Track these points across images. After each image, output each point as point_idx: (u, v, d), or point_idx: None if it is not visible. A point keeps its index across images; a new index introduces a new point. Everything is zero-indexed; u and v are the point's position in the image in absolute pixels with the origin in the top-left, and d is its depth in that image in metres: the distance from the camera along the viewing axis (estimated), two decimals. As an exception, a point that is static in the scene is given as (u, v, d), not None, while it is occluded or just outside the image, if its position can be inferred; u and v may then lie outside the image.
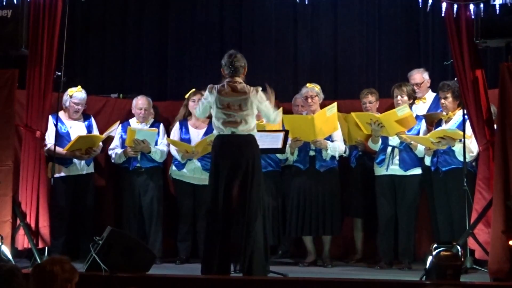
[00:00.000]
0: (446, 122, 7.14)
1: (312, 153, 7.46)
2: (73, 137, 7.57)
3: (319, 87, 7.65)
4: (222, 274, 6.17)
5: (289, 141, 7.39)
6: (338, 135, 7.48)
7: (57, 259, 3.99)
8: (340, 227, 7.53)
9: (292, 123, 7.36)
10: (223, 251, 6.24)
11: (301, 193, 7.44)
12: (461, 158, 6.83)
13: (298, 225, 7.42)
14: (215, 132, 6.48)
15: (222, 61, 6.55)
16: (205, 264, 6.32)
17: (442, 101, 7.13)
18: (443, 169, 7.03)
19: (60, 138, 7.54)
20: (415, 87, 7.61)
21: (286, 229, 7.61)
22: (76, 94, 7.65)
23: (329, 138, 7.44)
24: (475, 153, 6.82)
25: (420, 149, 7.22)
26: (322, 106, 7.55)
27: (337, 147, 7.43)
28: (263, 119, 6.90)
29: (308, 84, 7.66)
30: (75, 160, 7.62)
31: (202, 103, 6.62)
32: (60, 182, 7.51)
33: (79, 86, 7.68)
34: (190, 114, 7.82)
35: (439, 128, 7.12)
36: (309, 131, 7.27)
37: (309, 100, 7.55)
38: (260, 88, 6.45)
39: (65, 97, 7.59)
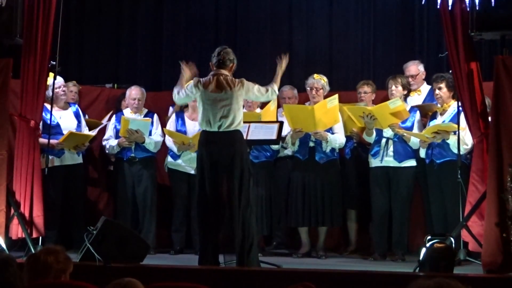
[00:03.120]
0: (441, 114, 7.16)
1: (311, 144, 7.45)
2: (63, 127, 7.59)
3: (326, 79, 7.62)
4: (215, 266, 6.21)
5: (290, 132, 7.40)
6: (339, 127, 7.47)
7: (52, 249, 3.99)
8: (340, 219, 7.54)
9: (292, 113, 7.35)
10: (213, 243, 6.27)
11: (300, 184, 7.44)
12: (455, 151, 6.86)
13: (298, 216, 7.42)
14: (200, 127, 6.43)
15: (212, 54, 6.49)
16: (200, 256, 6.36)
17: (437, 91, 7.15)
18: (438, 161, 7.06)
19: (50, 129, 7.47)
20: (410, 79, 7.64)
21: (283, 219, 7.64)
22: (51, 80, 7.46)
23: (330, 130, 7.44)
24: (469, 146, 6.85)
25: (414, 141, 7.25)
26: (324, 98, 7.54)
27: (337, 139, 7.43)
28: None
29: (315, 75, 7.63)
30: (66, 152, 7.62)
31: (185, 92, 6.49)
32: (52, 173, 7.44)
33: (50, 73, 7.45)
34: (187, 105, 7.82)
35: (434, 122, 7.15)
36: (309, 122, 7.27)
37: (314, 91, 7.53)
38: (244, 80, 6.39)
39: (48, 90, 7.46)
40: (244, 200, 6.24)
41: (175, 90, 6.60)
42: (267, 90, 6.50)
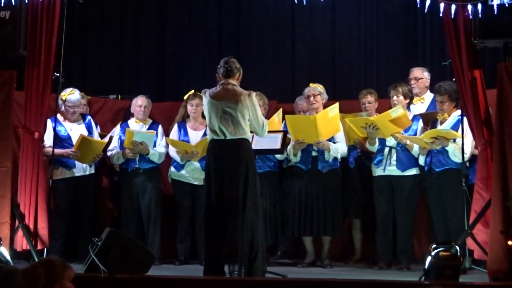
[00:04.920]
0: (442, 122, 7.15)
1: (314, 153, 7.46)
2: (74, 139, 7.59)
3: (322, 86, 7.64)
4: (220, 276, 6.19)
5: (292, 143, 7.41)
6: (340, 136, 7.48)
7: (44, 262, 3.98)
8: (341, 228, 7.55)
9: (294, 124, 7.35)
10: (219, 253, 6.27)
11: (303, 193, 7.44)
12: (454, 159, 6.91)
13: (301, 226, 7.43)
14: (208, 137, 6.45)
15: (218, 66, 6.51)
16: (205, 266, 6.35)
17: (440, 105, 7.12)
18: (437, 169, 7.05)
19: (61, 141, 7.55)
20: (413, 81, 7.67)
21: (286, 229, 7.61)
22: (69, 97, 7.64)
23: (331, 139, 7.45)
24: (468, 154, 6.86)
25: (416, 149, 7.25)
26: (324, 107, 7.56)
27: (339, 148, 7.45)
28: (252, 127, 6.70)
29: (311, 84, 7.67)
30: (77, 163, 7.64)
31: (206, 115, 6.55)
32: (62, 183, 7.56)
33: (71, 89, 7.65)
34: (189, 115, 7.85)
35: (433, 129, 7.14)
36: (312, 132, 7.27)
37: (311, 98, 7.54)
38: (254, 93, 6.41)
39: (59, 101, 7.56)
40: (249, 209, 6.23)
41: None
42: (263, 125, 6.49)
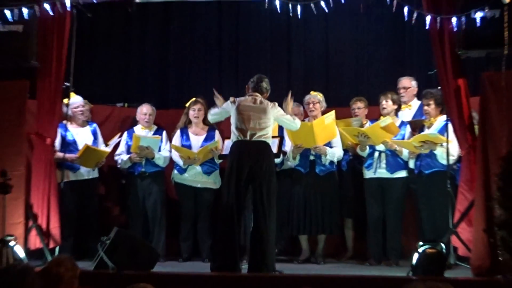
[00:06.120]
0: (429, 127, 7.33)
1: (312, 157, 7.68)
2: (79, 143, 7.76)
3: (322, 95, 7.88)
4: (231, 272, 6.35)
5: (292, 147, 7.66)
6: (337, 141, 7.69)
7: (61, 260, 4.16)
8: (338, 226, 7.73)
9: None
10: (233, 250, 6.44)
11: (302, 195, 7.64)
12: (442, 161, 7.06)
13: (300, 225, 7.62)
14: (233, 137, 6.69)
15: (251, 79, 6.87)
16: (215, 261, 6.55)
17: (425, 107, 7.30)
18: (426, 172, 7.22)
19: (68, 145, 7.74)
20: (402, 91, 7.83)
21: (284, 228, 7.77)
22: (72, 100, 7.76)
23: (329, 144, 7.66)
24: (455, 156, 7.02)
25: (406, 154, 7.43)
26: (322, 114, 7.77)
27: (335, 153, 7.65)
28: (287, 129, 7.18)
29: (311, 92, 7.92)
30: (82, 167, 7.81)
31: (219, 109, 6.85)
32: (68, 186, 7.64)
33: (71, 93, 7.72)
34: (190, 122, 8.04)
35: (421, 133, 7.32)
36: (309, 137, 7.48)
37: (311, 105, 7.80)
38: (277, 104, 6.77)
39: (65, 108, 7.67)
40: (271, 208, 6.49)
41: (210, 111, 7.04)
42: (293, 119, 6.89)
